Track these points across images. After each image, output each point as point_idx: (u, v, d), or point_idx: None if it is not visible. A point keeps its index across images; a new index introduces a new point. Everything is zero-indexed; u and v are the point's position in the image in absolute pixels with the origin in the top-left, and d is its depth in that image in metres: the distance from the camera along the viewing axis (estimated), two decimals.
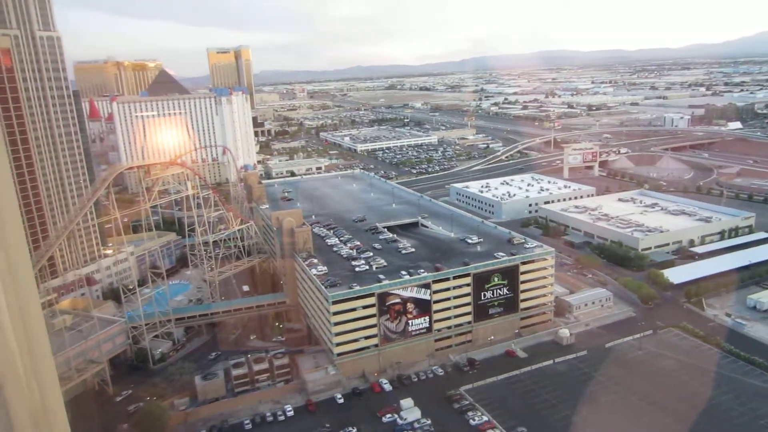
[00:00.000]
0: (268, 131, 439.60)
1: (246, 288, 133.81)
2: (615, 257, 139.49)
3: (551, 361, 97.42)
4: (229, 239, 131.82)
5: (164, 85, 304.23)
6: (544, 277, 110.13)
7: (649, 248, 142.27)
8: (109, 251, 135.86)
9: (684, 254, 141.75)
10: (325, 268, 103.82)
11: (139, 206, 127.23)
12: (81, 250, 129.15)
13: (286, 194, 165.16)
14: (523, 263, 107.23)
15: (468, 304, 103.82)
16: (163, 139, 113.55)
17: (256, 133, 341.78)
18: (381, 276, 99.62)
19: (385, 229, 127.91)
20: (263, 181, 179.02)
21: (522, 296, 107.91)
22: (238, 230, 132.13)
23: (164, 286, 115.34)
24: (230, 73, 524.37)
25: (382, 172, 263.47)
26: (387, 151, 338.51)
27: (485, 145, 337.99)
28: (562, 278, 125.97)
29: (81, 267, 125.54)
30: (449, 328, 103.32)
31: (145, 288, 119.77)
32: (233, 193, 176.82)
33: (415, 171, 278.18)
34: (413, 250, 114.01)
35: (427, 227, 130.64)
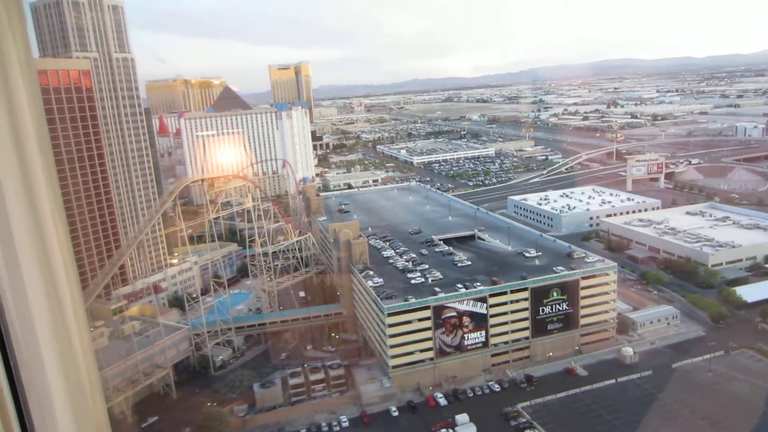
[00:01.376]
0: (327, 144, 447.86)
1: (302, 294, 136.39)
2: (682, 273, 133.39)
3: (613, 381, 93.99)
4: (288, 250, 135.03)
5: (228, 101, 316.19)
6: (606, 293, 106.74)
7: (720, 264, 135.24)
8: (174, 261, 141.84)
9: (759, 271, 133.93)
10: (381, 280, 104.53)
11: (203, 218, 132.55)
12: (149, 260, 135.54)
13: (343, 206, 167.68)
14: (584, 278, 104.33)
15: (526, 319, 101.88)
16: (224, 155, 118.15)
17: (314, 147, 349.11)
18: (437, 289, 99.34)
19: (441, 242, 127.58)
20: (321, 194, 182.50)
21: (582, 312, 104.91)
22: (297, 242, 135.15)
23: (225, 295, 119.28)
24: (290, 89, 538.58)
25: (439, 184, 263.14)
26: (443, 163, 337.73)
27: (544, 157, 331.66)
28: (625, 294, 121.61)
29: (149, 275, 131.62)
30: (506, 343, 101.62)
31: (207, 297, 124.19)
32: (292, 205, 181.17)
33: (471, 183, 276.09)
34: (469, 263, 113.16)
35: (484, 240, 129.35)
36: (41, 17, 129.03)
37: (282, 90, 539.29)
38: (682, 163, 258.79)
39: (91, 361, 3.69)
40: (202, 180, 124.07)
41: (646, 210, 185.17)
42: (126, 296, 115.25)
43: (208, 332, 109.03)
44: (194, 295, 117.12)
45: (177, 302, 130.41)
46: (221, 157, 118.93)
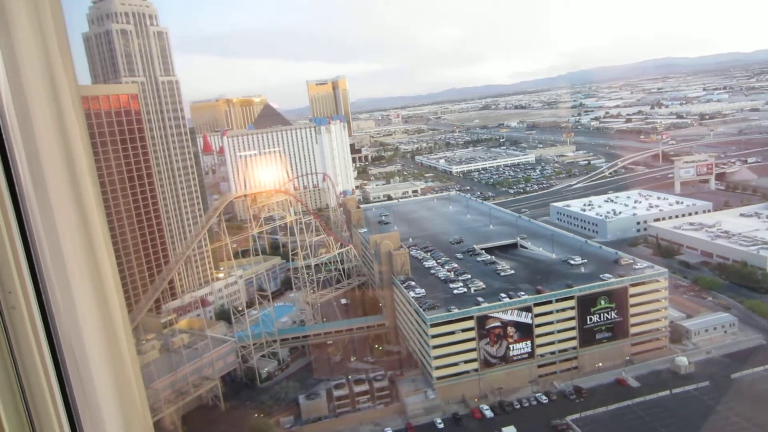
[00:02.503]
0: (365, 157, 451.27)
1: (345, 307, 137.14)
2: (739, 278, 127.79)
3: (668, 392, 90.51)
4: (330, 263, 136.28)
5: (268, 118, 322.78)
6: (657, 300, 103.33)
7: None
8: (220, 275, 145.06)
9: None
10: (423, 290, 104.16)
11: (247, 232, 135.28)
12: (196, 274, 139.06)
13: (383, 218, 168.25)
14: (633, 285, 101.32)
15: (572, 328, 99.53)
16: (266, 172, 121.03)
17: (353, 159, 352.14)
18: (479, 299, 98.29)
19: (483, 251, 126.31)
20: (361, 206, 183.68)
21: (632, 321, 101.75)
22: (338, 254, 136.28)
23: (270, 308, 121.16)
24: (328, 103, 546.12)
25: (479, 193, 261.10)
26: (483, 171, 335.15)
27: (586, 162, 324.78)
28: (677, 302, 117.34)
29: (196, 290, 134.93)
30: (553, 353, 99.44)
31: (252, 309, 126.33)
32: (333, 218, 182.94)
33: (512, 191, 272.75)
34: (512, 272, 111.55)
35: (527, 248, 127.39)
36: (92, 46, 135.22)
37: (320, 105, 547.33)
38: (733, 162, 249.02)
39: (139, 374, 3.87)
40: (245, 196, 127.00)
41: (696, 213, 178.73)
42: (175, 310, 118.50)
43: (254, 344, 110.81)
44: (240, 308, 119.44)
45: (223, 315, 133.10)
46: (263, 174, 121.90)
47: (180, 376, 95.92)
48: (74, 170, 3.45)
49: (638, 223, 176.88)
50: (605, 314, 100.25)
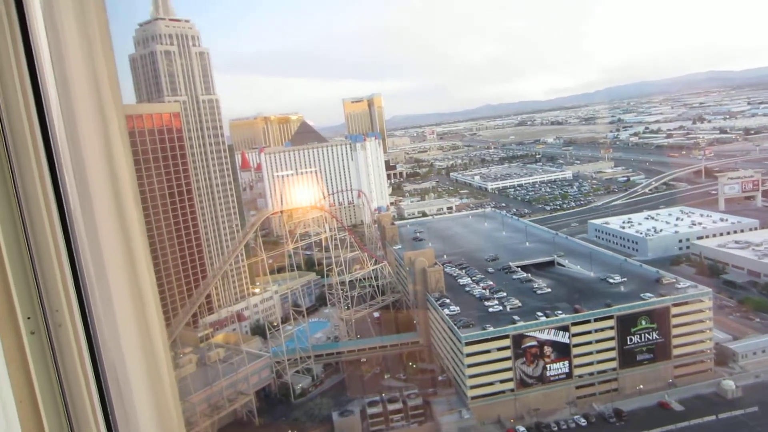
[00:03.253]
0: (400, 173, 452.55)
1: (379, 324, 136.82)
2: None
3: (713, 417, 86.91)
4: (364, 279, 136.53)
5: (305, 135, 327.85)
6: (701, 321, 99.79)
7: None
8: (256, 290, 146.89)
9: None
10: (458, 308, 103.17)
11: (283, 248, 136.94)
12: (233, 289, 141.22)
13: (417, 234, 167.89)
14: (675, 305, 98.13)
15: (612, 349, 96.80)
16: (302, 191, 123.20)
17: (388, 176, 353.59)
18: (515, 317, 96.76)
19: (519, 269, 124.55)
20: (396, 222, 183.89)
21: (675, 342, 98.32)
22: (372, 270, 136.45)
23: (305, 324, 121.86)
24: (364, 120, 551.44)
25: (514, 209, 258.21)
26: (519, 188, 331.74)
27: (625, 178, 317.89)
28: (722, 322, 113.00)
29: (233, 304, 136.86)
30: (592, 374, 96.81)
31: (287, 325, 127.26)
32: (368, 234, 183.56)
33: (549, 208, 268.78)
34: (549, 290, 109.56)
35: (564, 266, 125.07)
36: (138, 67, 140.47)
37: (356, 122, 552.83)
38: None
39: (176, 388, 3.98)
40: (282, 212, 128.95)
41: (742, 231, 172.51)
42: (212, 324, 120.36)
43: (289, 360, 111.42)
44: (275, 324, 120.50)
45: (259, 330, 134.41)
46: (299, 193, 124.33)
47: (215, 391, 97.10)
48: (118, 188, 3.58)
49: (680, 241, 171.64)
50: (646, 335, 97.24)
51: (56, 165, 3.56)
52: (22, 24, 3.49)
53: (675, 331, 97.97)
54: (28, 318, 3.57)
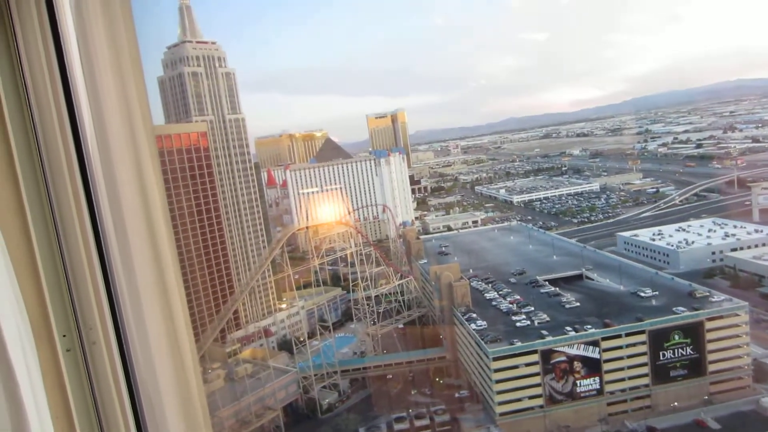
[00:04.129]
0: (425, 188, 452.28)
1: (405, 339, 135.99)
2: None
3: None
4: (390, 294, 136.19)
5: (329, 152, 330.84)
6: (737, 336, 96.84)
7: None
8: (283, 305, 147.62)
9: None
10: (484, 323, 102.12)
11: (309, 264, 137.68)
12: (260, 305, 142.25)
13: (443, 249, 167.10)
14: (709, 319, 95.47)
15: (644, 364, 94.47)
16: (327, 208, 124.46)
17: (412, 191, 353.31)
18: (544, 332, 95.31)
19: (546, 283, 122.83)
20: (421, 237, 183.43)
21: (710, 357, 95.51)
22: (398, 285, 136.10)
23: (331, 339, 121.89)
24: (388, 136, 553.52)
25: (541, 223, 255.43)
26: (545, 201, 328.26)
27: (654, 190, 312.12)
28: (760, 337, 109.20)
29: (260, 320, 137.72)
30: (623, 390, 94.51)
31: (314, 340, 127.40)
32: (393, 249, 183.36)
33: (576, 221, 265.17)
34: (578, 304, 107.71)
35: (593, 280, 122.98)
36: (166, 89, 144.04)
37: (380, 137, 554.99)
38: None
39: (205, 403, 3.99)
40: (307, 228, 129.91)
41: None
42: (239, 340, 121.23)
43: (315, 375, 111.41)
44: (301, 339, 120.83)
45: (286, 346, 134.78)
46: (324, 210, 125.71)
47: (243, 406, 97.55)
48: (149, 207, 3.66)
49: (713, 253, 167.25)
50: (680, 350, 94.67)
51: (90, 184, 3.67)
52: (57, 47, 3.61)
53: (710, 346, 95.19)
54: (64, 336, 3.62)
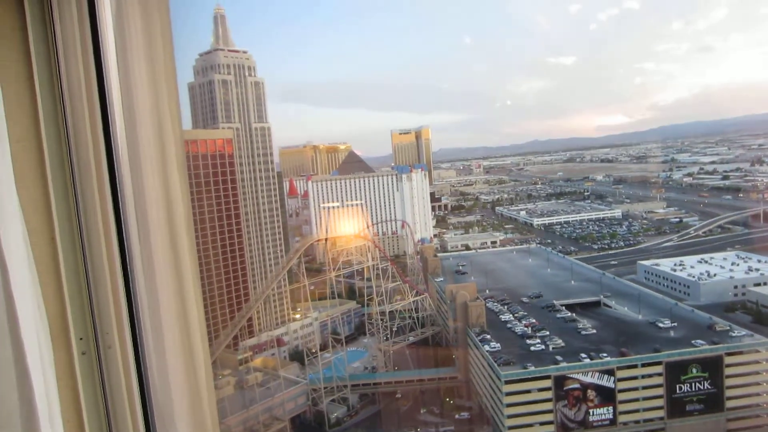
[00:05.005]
0: (445, 206, 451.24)
1: (417, 357, 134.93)
2: None
3: None
4: (404, 310, 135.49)
5: (352, 165, 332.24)
6: (757, 373, 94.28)
7: None
8: (297, 316, 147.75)
9: None
10: (498, 345, 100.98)
11: (325, 275, 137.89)
12: (274, 314, 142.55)
13: (460, 268, 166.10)
14: (729, 354, 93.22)
15: (660, 396, 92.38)
16: (346, 223, 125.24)
17: (433, 208, 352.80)
18: (558, 357, 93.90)
19: (563, 308, 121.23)
20: (438, 255, 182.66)
21: (728, 393, 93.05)
22: (413, 302, 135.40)
23: (343, 352, 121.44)
24: (411, 152, 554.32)
25: (560, 247, 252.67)
26: (565, 225, 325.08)
27: (678, 219, 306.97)
28: None
29: (273, 329, 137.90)
30: (637, 422, 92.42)
31: (326, 352, 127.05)
32: (410, 265, 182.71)
33: (596, 247, 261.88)
34: (594, 331, 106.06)
35: (611, 307, 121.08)
36: (196, 95, 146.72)
37: (403, 153, 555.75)
38: None
39: (215, 409, 3.92)
40: (326, 239, 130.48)
41: None
42: (251, 348, 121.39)
43: (325, 388, 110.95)
44: (313, 350, 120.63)
45: (297, 356, 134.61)
46: (343, 225, 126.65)
47: (252, 414, 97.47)
48: (173, 214, 3.68)
49: (735, 287, 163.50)
50: (697, 384, 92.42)
51: (118, 189, 3.69)
52: (96, 49, 3.65)
53: (728, 382, 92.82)
54: (81, 339, 3.62)
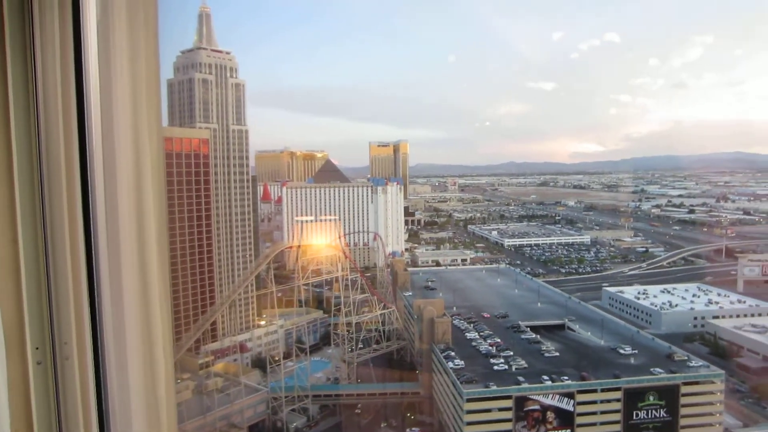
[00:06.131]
0: (418, 221, 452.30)
1: (381, 370, 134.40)
2: None
3: None
4: (371, 322, 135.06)
5: (328, 174, 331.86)
6: (711, 404, 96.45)
7: None
8: (262, 322, 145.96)
9: None
10: (462, 362, 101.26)
11: (293, 283, 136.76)
12: (239, 319, 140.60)
13: (429, 283, 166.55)
14: (685, 383, 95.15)
15: (617, 422, 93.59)
16: (320, 238, 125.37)
17: (406, 222, 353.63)
18: (520, 378, 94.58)
19: (528, 329, 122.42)
20: (409, 269, 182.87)
21: (682, 422, 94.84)
22: (381, 314, 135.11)
23: (306, 362, 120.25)
24: (388, 165, 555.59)
25: (529, 268, 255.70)
26: (535, 247, 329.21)
27: (644, 249, 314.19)
28: (733, 407, 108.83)
29: (237, 334, 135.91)
30: None
31: (289, 361, 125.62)
32: (379, 277, 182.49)
33: (564, 270, 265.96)
34: (557, 354, 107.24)
35: (575, 331, 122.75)
36: (174, 92, 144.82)
37: (380, 166, 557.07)
38: None
39: (175, 423, 3.78)
40: (297, 247, 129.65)
41: (760, 315, 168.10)
42: (213, 352, 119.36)
43: (286, 397, 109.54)
44: (276, 358, 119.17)
45: (260, 363, 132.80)
46: (316, 236, 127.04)
47: (209, 420, 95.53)
48: (144, 218, 3.57)
49: (695, 318, 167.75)
50: (653, 411, 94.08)
51: (89, 189, 3.56)
52: (77, 49, 3.53)
53: (684, 411, 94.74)
54: (37, 348, 3.47)
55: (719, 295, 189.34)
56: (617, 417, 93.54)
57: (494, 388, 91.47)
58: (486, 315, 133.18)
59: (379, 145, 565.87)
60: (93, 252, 3.54)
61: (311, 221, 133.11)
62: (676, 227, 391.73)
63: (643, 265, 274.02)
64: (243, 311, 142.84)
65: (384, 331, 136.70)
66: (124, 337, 3.53)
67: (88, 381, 3.55)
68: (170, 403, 3.84)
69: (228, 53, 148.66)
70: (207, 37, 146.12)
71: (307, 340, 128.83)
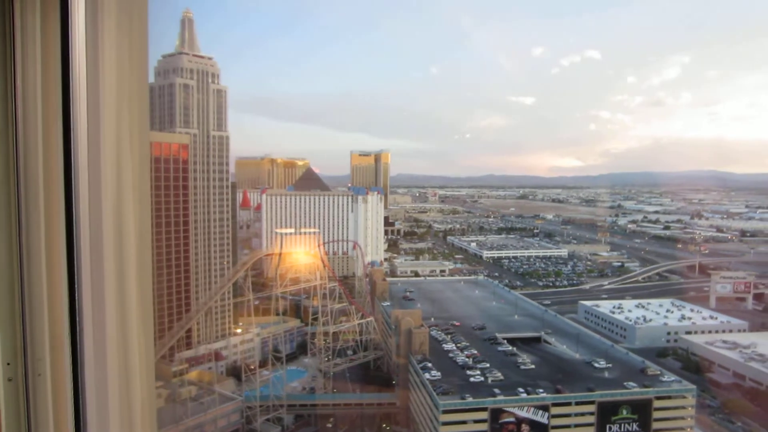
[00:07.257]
0: (398, 231, 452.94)
1: (358, 380, 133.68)
2: None
3: None
4: (349, 332, 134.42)
5: (309, 182, 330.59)
6: (682, 418, 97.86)
7: None
8: (238, 330, 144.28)
9: None
10: (439, 373, 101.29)
11: (271, 291, 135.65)
12: (215, 326, 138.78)
13: (408, 293, 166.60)
14: (658, 398, 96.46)
15: None
16: (299, 247, 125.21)
17: (386, 232, 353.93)
18: (496, 390, 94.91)
19: (505, 341, 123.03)
20: (387, 279, 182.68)
21: None
22: (358, 324, 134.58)
23: (282, 371, 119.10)
24: (369, 174, 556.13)
25: (507, 280, 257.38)
26: (513, 260, 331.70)
27: (620, 264, 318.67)
28: (704, 422, 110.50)
29: (212, 342, 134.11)
30: None
31: (264, 370, 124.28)
32: (358, 287, 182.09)
33: (541, 283, 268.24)
34: (533, 366, 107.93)
35: (551, 344, 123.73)
36: (155, 96, 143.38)
37: (361, 175, 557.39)
38: None
39: (154, 420, 3.72)
40: (277, 255, 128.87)
41: (731, 331, 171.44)
42: (188, 360, 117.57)
43: (261, 406, 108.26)
44: (252, 367, 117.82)
45: (235, 372, 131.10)
46: (295, 246, 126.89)
47: (181, 429, 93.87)
48: (126, 232, 3.51)
49: (669, 333, 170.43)
50: (626, 425, 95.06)
51: (72, 198, 3.47)
52: (65, 53, 3.45)
53: (656, 425, 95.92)
54: (8, 364, 3.34)
55: (692, 311, 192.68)
56: (591, 430, 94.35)
57: (470, 399, 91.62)
58: (457, 324, 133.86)
59: (360, 155, 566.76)
60: (75, 266, 3.43)
61: (291, 233, 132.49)
62: (652, 243, 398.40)
63: (616, 280, 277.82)
64: (219, 319, 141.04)
65: (361, 341, 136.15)
66: (104, 353, 3.43)
67: (63, 397, 3.44)
68: (151, 421, 3.77)
69: (210, 59, 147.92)
70: (189, 42, 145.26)
71: (284, 349, 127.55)
